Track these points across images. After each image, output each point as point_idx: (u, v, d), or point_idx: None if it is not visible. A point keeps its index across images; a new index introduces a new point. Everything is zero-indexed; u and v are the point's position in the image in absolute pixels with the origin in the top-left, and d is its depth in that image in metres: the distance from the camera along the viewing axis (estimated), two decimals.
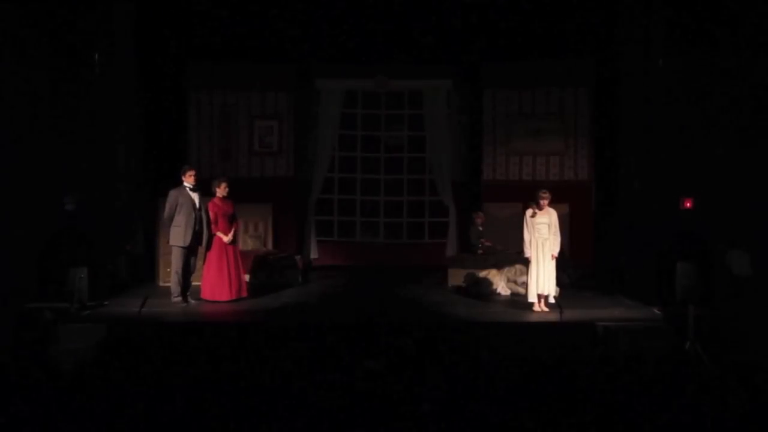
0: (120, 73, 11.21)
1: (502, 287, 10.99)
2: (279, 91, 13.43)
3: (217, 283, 9.97)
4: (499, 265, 11.18)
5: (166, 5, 12.05)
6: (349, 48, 12.86)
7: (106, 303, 9.92)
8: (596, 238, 12.57)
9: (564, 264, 10.98)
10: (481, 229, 12.09)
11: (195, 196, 9.84)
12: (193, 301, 9.85)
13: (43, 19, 10.57)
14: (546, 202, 9.66)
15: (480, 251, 11.88)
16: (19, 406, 5.03)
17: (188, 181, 9.84)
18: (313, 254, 13.69)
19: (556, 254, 9.62)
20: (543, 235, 9.60)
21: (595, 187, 12.94)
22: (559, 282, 9.94)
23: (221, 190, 10.09)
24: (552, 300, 9.65)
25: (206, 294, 10.02)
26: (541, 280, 9.57)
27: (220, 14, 12.27)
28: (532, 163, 13.23)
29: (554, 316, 9.17)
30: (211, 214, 9.97)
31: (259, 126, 13.39)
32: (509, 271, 11.05)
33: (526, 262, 9.77)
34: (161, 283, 11.31)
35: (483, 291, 10.93)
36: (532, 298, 9.66)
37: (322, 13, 12.39)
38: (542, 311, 9.60)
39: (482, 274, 11.13)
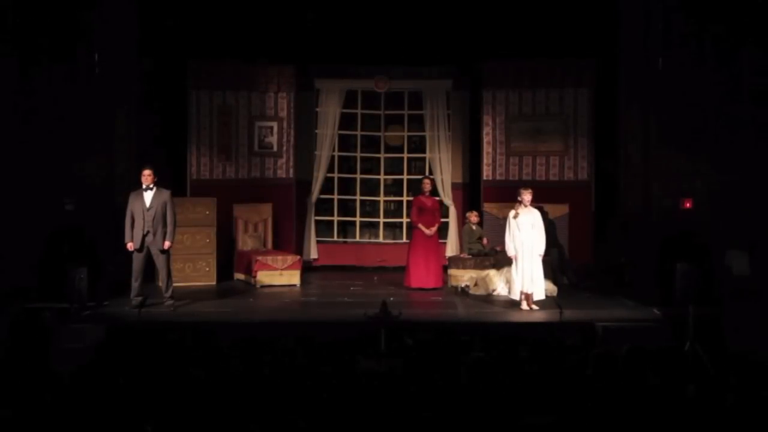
0: (120, 72, 11.20)
1: (501, 287, 10.98)
2: (279, 91, 13.42)
3: (422, 273, 10.95)
4: (498, 266, 11.17)
5: (166, 5, 12.04)
6: (349, 48, 12.84)
7: (105, 303, 9.93)
8: (596, 238, 12.55)
9: (564, 264, 10.99)
10: (474, 228, 11.91)
11: (147, 197, 9.80)
12: (169, 302, 9.91)
13: (44, 18, 10.58)
14: (528, 198, 9.69)
15: (473, 252, 11.69)
16: (18, 406, 5.03)
17: (145, 182, 9.81)
18: (313, 254, 13.68)
19: (542, 253, 9.63)
20: (526, 234, 9.61)
21: (595, 187, 12.92)
22: (558, 282, 9.95)
23: (424, 186, 11.37)
24: (542, 297, 9.67)
25: (412, 282, 11.13)
26: (527, 279, 9.59)
27: (220, 14, 12.26)
28: (532, 164, 13.20)
29: (554, 316, 9.17)
30: (414, 209, 11.28)
31: (259, 126, 13.37)
32: (508, 272, 11.04)
33: (511, 262, 9.81)
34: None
35: (482, 291, 10.93)
36: (515, 296, 9.71)
37: (321, 14, 12.38)
38: (531, 310, 9.62)
39: (482, 274, 11.12)
